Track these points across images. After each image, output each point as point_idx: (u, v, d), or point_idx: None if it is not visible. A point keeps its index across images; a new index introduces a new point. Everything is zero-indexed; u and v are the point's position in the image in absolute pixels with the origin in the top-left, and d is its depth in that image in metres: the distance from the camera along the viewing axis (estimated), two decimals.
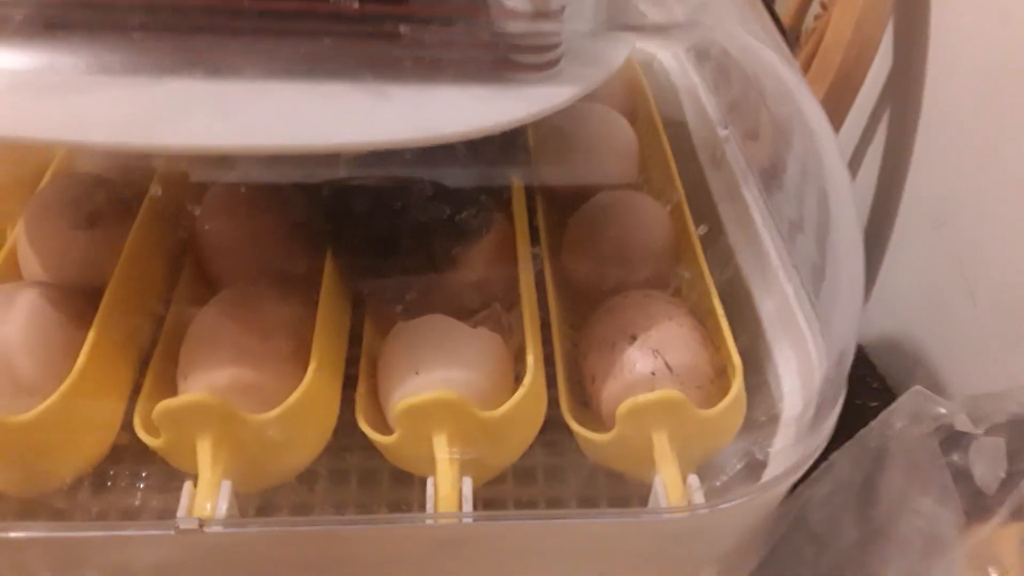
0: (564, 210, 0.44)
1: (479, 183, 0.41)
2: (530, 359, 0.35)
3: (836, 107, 0.67)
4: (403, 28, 0.31)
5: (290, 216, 0.40)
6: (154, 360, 0.36)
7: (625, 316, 0.38)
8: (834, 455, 0.37)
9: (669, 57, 0.59)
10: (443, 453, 0.33)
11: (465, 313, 0.39)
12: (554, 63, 0.32)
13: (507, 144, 0.41)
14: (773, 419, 0.36)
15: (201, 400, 0.31)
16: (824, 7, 0.73)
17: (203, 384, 0.34)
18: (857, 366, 0.35)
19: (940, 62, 0.58)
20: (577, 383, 0.38)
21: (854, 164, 0.72)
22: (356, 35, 0.31)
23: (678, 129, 0.54)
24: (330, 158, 0.41)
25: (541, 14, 0.31)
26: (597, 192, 0.44)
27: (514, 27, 0.31)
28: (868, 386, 0.53)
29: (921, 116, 0.66)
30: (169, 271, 0.41)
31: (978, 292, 0.49)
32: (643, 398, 0.33)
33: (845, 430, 0.37)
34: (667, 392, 0.33)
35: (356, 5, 0.30)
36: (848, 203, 0.37)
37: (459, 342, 0.36)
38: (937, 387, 0.50)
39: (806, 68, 0.70)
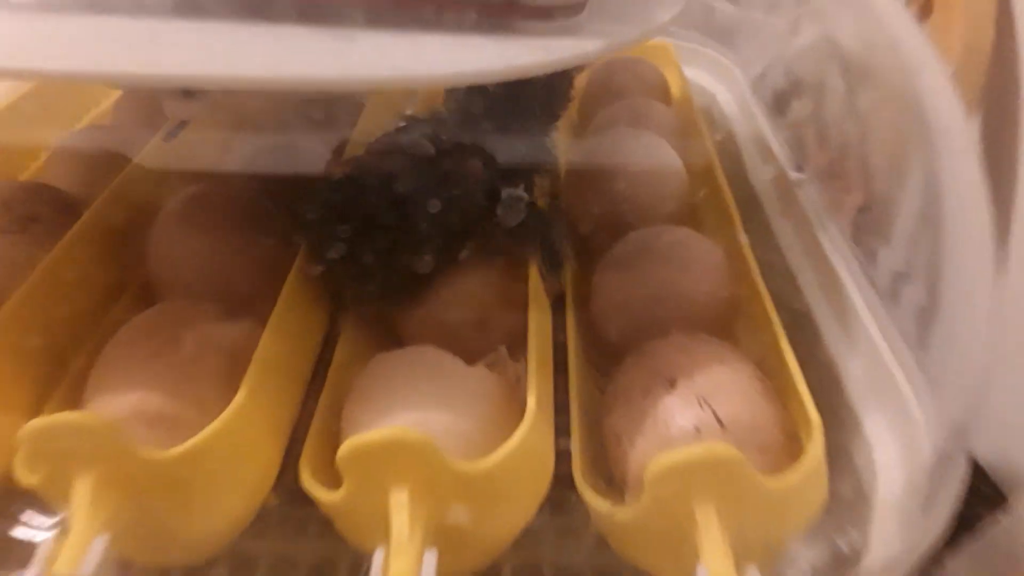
0: (596, 244, 0.36)
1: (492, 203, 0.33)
2: (531, 402, 0.26)
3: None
4: None
5: (251, 226, 0.33)
6: (65, 383, 0.29)
7: (663, 358, 0.29)
8: (950, 563, 0.27)
9: (731, 100, 0.52)
10: (401, 514, 0.24)
11: (464, 356, 0.30)
12: (571, 8, 0.25)
13: (531, 156, 0.34)
14: (864, 499, 0.26)
15: (77, 421, 0.23)
16: None
17: (103, 412, 0.26)
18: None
19: None
20: (599, 448, 0.29)
21: None
22: None
23: (739, 178, 0.46)
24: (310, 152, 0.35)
25: None
26: (635, 227, 0.36)
27: None
28: (978, 493, 0.42)
29: None
30: (107, 289, 0.34)
31: None
32: (683, 453, 0.23)
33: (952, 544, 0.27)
34: (716, 446, 0.24)
35: None
36: (980, 226, 0.28)
37: (449, 379, 0.28)
38: None
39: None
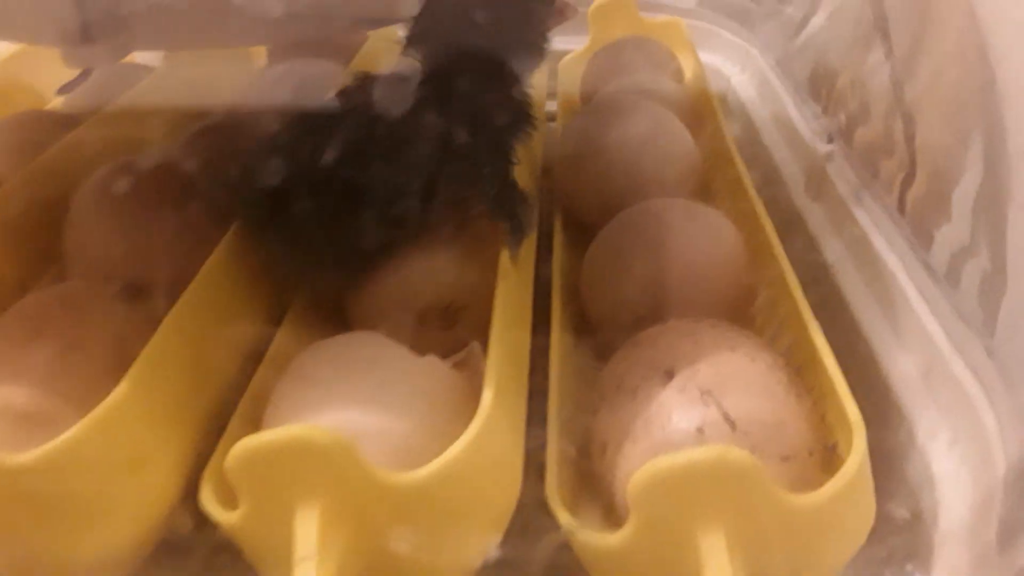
0: (593, 224, 0.31)
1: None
2: (487, 397, 0.20)
3: None
4: None
5: (173, 204, 0.28)
6: None
7: (659, 347, 0.23)
8: None
9: (748, 82, 0.47)
10: (307, 538, 0.18)
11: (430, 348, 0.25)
12: None
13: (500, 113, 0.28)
14: (922, 525, 0.20)
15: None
16: None
17: None
18: None
19: None
20: (584, 459, 0.23)
21: None
22: None
23: (760, 161, 0.40)
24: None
25: None
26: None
27: None
28: None
29: None
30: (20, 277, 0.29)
31: None
32: (677, 459, 0.18)
33: None
34: (723, 449, 0.18)
35: None
36: None
37: (388, 372, 0.22)
38: None
39: None
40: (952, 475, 0.21)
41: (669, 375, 0.22)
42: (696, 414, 0.20)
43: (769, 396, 0.21)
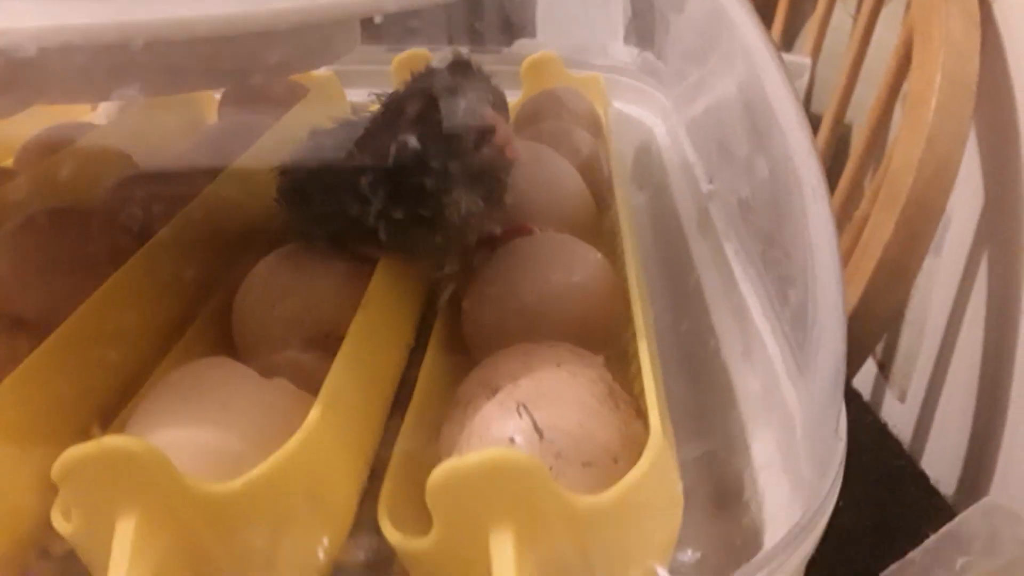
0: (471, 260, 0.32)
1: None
2: (314, 413, 0.22)
3: (912, 238, 0.54)
4: None
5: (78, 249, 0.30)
6: None
7: (495, 367, 0.24)
8: None
9: (665, 132, 0.49)
10: (123, 546, 0.19)
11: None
12: None
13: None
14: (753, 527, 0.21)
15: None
16: None
17: None
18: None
19: None
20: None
21: (955, 317, 0.58)
22: None
23: (668, 206, 0.42)
24: None
25: None
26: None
27: None
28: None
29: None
30: None
31: None
32: (464, 460, 0.19)
33: None
34: (504, 451, 0.19)
35: None
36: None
37: (233, 392, 0.23)
38: None
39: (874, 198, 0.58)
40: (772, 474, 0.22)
41: (495, 391, 0.23)
42: (510, 425, 0.22)
43: (581, 408, 0.22)
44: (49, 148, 0.43)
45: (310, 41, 0.30)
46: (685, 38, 0.44)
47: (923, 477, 0.45)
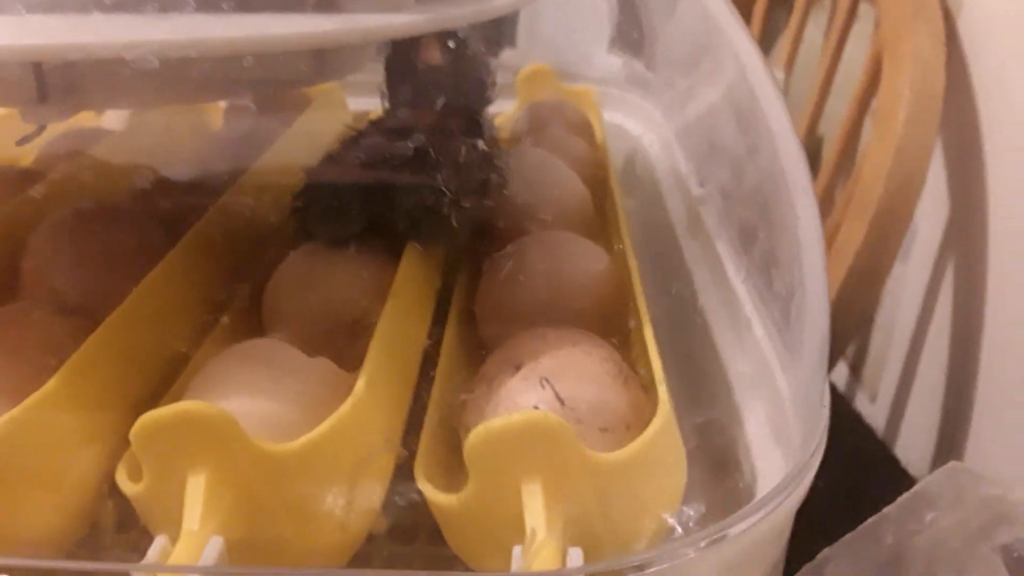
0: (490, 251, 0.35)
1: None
2: (360, 383, 0.24)
3: (881, 244, 0.57)
4: None
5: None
6: None
7: (516, 347, 0.27)
8: (824, 553, 0.24)
9: (655, 141, 0.52)
10: (195, 499, 0.22)
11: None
12: None
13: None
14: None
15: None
16: None
17: None
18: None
19: (1003, 204, 0.49)
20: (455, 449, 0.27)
21: (923, 321, 0.61)
22: None
23: (658, 210, 0.45)
24: None
25: None
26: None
27: None
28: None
29: (989, 269, 0.57)
30: None
31: None
32: (501, 421, 0.22)
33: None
34: (538, 413, 0.22)
35: None
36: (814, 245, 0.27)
37: (282, 369, 0.26)
38: None
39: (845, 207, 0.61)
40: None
41: (518, 367, 0.26)
42: (534, 396, 0.24)
43: (596, 381, 0.25)
44: (69, 150, 0.45)
45: (338, 56, 0.33)
46: (674, 47, 0.47)
47: (895, 460, 0.48)
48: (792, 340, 0.26)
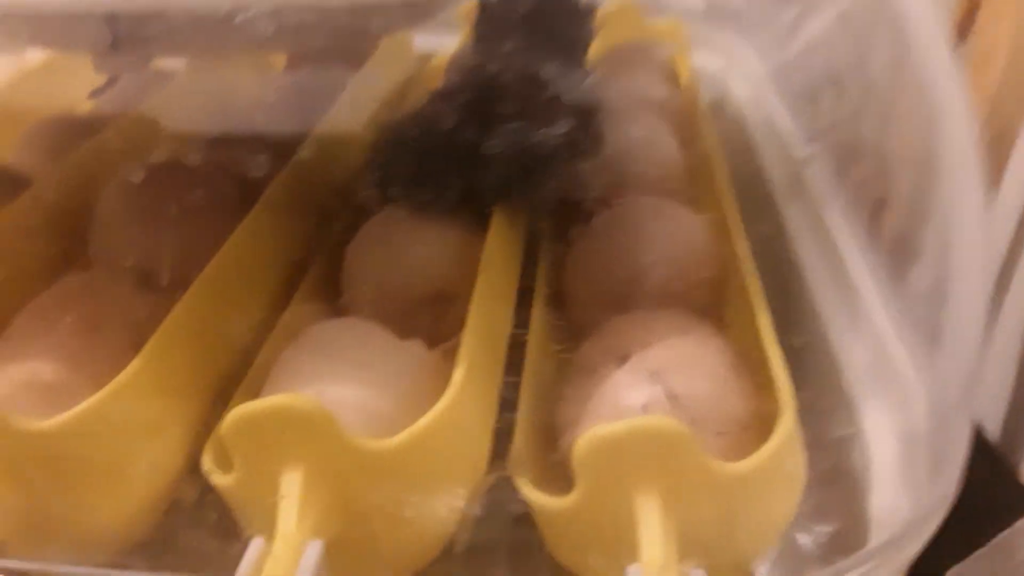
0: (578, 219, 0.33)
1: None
2: (458, 374, 0.23)
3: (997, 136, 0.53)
4: None
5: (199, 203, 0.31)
6: None
7: (619, 335, 0.25)
8: (954, 570, 0.22)
9: (745, 86, 0.49)
10: (291, 498, 0.20)
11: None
12: None
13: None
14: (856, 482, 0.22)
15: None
16: None
17: None
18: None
19: None
20: (552, 438, 0.25)
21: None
22: None
23: (750, 165, 0.42)
24: None
25: None
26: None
27: None
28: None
29: None
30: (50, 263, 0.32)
31: None
32: (614, 427, 0.20)
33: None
34: (655, 418, 0.20)
35: None
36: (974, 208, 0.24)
37: (374, 352, 0.25)
38: None
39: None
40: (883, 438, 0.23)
41: (624, 359, 0.24)
42: (643, 392, 0.23)
43: (712, 377, 0.23)
44: (60, 131, 0.41)
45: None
46: None
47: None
48: (930, 338, 0.23)
